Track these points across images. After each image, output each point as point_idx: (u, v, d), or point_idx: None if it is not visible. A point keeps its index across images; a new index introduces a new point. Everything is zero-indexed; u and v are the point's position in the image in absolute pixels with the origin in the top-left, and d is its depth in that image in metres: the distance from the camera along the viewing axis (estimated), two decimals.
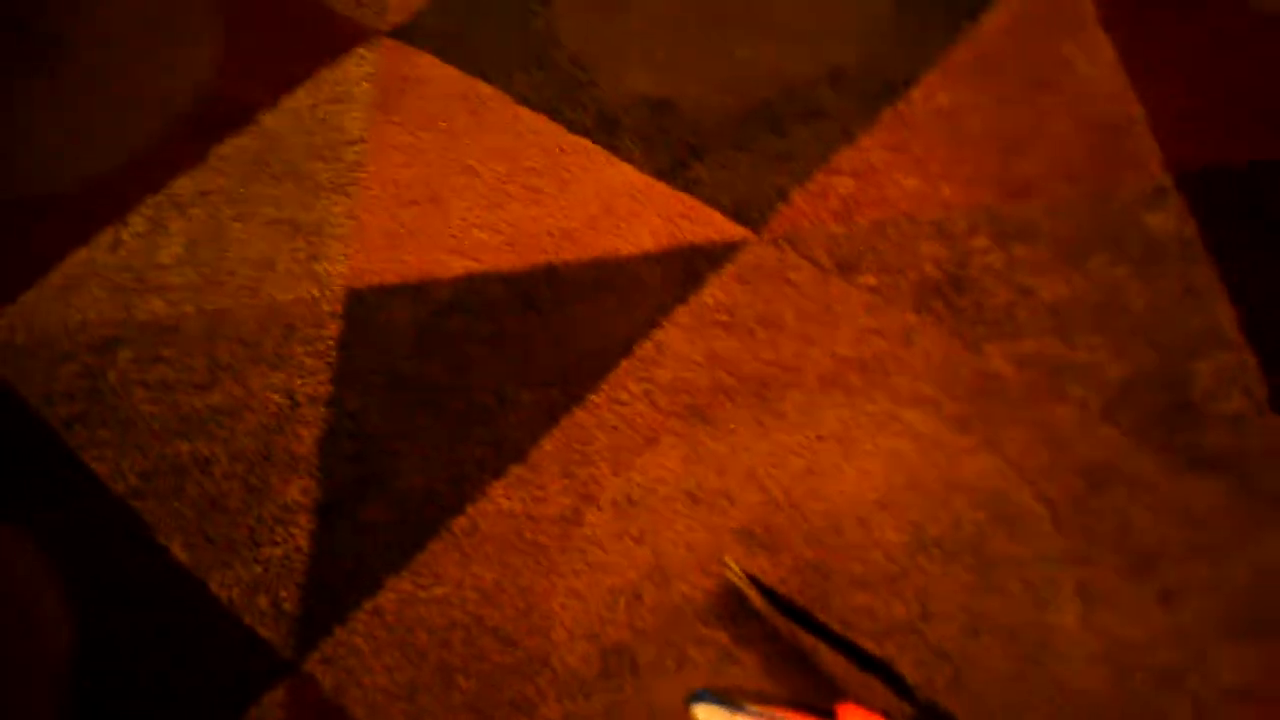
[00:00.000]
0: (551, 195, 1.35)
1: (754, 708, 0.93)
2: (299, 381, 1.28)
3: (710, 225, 1.29)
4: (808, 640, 1.00)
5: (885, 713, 0.91)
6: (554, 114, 1.43)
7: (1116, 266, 1.18)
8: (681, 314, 1.24)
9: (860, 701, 0.93)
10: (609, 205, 1.33)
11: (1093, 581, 0.98)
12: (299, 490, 1.20)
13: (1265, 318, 1.12)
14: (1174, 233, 1.19)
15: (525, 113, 1.44)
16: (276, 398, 1.27)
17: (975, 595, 1.01)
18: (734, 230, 1.29)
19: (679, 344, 1.22)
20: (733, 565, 1.02)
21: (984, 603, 1.01)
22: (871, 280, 1.22)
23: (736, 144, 1.36)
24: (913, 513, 1.06)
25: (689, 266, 1.27)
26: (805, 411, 1.14)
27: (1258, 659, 0.95)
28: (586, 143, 1.40)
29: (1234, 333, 1.12)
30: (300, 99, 1.50)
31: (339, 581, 1.13)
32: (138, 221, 1.42)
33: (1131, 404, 1.09)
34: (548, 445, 1.18)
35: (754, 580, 1.01)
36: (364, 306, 1.33)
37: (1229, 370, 1.10)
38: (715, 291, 1.25)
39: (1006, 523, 1.04)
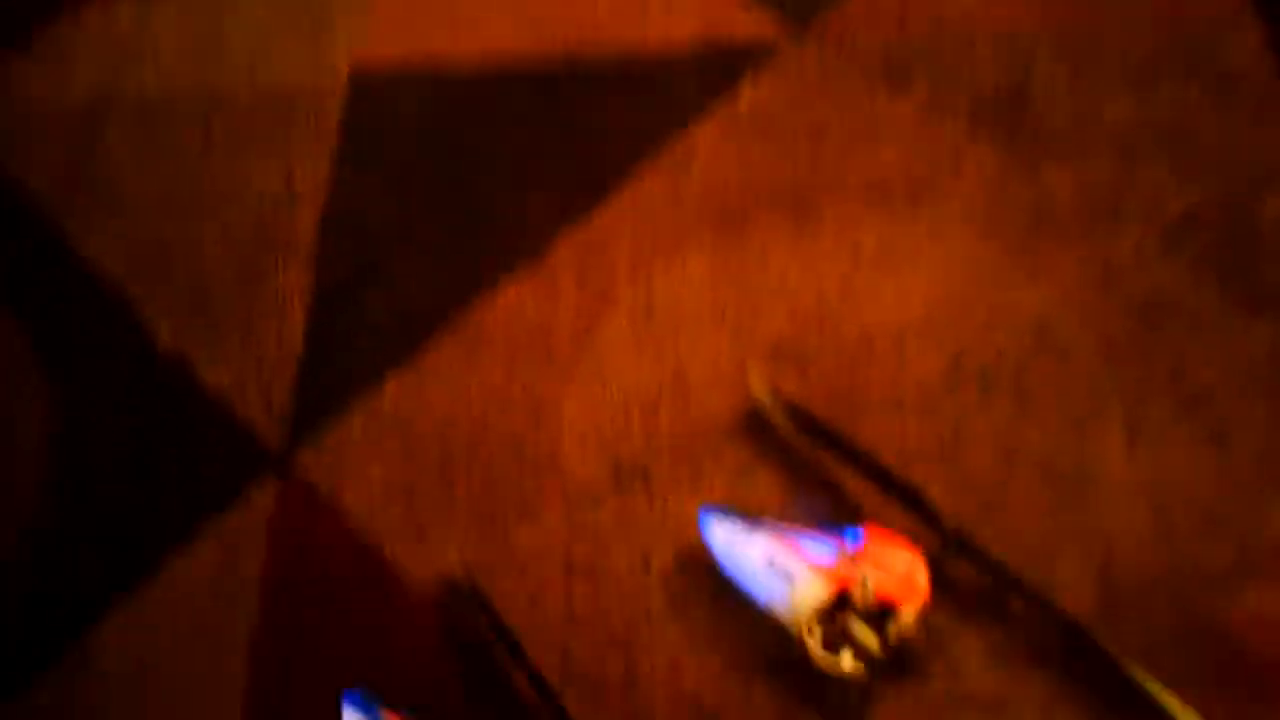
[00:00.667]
0: None
1: (772, 524, 0.87)
2: (298, 166, 1.20)
3: (751, 22, 1.19)
4: (831, 462, 0.94)
5: (914, 537, 0.86)
6: None
7: (1188, 91, 1.09)
8: (715, 116, 1.15)
9: (881, 525, 0.88)
10: None
11: (1141, 418, 0.92)
12: (295, 279, 1.13)
13: None
14: (1250, 60, 1.10)
15: None
16: (273, 182, 1.19)
17: (1013, 425, 0.95)
18: (776, 29, 1.19)
19: (711, 148, 1.13)
20: (758, 381, 0.96)
21: (1022, 434, 0.95)
22: (923, 92, 1.13)
23: None
24: (953, 339, 1.00)
25: (725, 66, 1.18)
26: (844, 228, 1.07)
27: None
28: None
29: None
30: None
31: (335, 375, 1.07)
32: None
33: (1193, 237, 1.02)
34: (563, 246, 1.10)
35: (779, 396, 0.95)
36: (370, 91, 1.25)
37: None
38: (753, 95, 1.16)
39: (1053, 354, 0.98)
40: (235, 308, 1.11)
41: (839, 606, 0.82)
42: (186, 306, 1.12)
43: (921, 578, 0.82)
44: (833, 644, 0.82)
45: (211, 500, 1.02)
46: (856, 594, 0.82)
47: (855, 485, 0.93)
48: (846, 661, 0.81)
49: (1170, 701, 0.78)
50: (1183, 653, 0.82)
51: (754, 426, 0.98)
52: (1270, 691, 0.81)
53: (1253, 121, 1.07)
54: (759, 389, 0.96)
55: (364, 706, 0.86)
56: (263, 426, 1.05)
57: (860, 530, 0.86)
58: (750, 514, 0.89)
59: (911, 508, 0.89)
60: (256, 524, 1.00)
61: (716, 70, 1.18)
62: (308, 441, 1.03)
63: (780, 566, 0.84)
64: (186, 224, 1.17)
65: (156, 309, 1.12)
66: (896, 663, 0.83)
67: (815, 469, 0.95)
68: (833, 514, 0.92)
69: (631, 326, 1.04)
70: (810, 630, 0.81)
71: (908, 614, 0.82)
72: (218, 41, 1.28)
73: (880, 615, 0.82)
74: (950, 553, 0.86)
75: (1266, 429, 0.93)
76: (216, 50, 1.27)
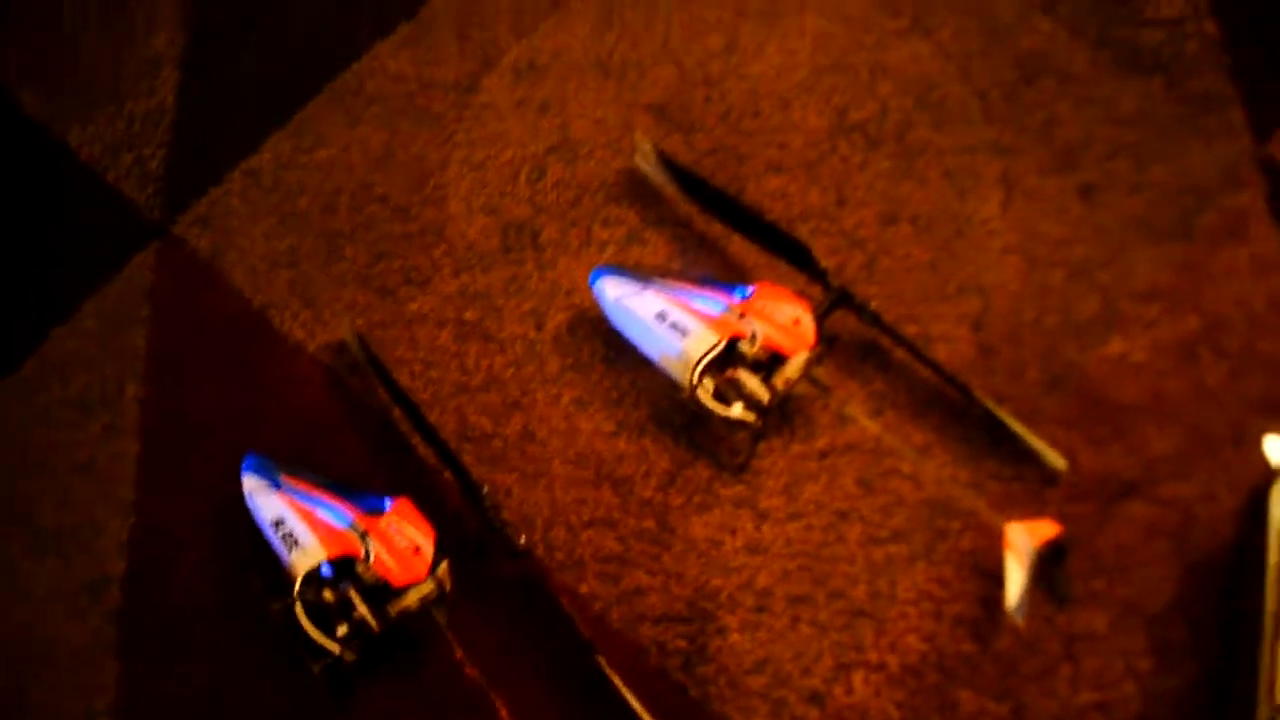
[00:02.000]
0: None
1: (663, 282, 0.89)
2: None
3: None
4: (718, 223, 0.95)
5: (800, 294, 0.88)
6: None
7: None
8: None
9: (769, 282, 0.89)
10: None
11: (1016, 173, 0.95)
12: (164, 41, 1.08)
13: None
14: None
15: None
16: None
17: (895, 183, 0.97)
18: None
19: None
20: (644, 143, 0.96)
21: (903, 190, 0.97)
22: None
23: None
24: (836, 97, 1.00)
25: None
26: None
27: (1170, 260, 0.94)
28: None
29: None
30: None
31: (210, 139, 1.04)
32: None
33: None
34: (441, 2, 1.07)
35: (666, 159, 0.95)
36: None
37: None
38: None
39: (933, 110, 0.99)
40: (103, 71, 1.06)
41: (729, 357, 0.85)
42: (50, 71, 1.07)
43: (808, 328, 0.85)
44: (723, 394, 0.84)
45: (91, 273, 0.99)
46: (746, 344, 0.84)
47: (742, 245, 0.94)
48: (737, 410, 0.83)
49: (1037, 443, 0.83)
50: (1050, 397, 0.87)
51: (642, 188, 0.98)
52: (1128, 431, 0.86)
53: None
54: (644, 156, 0.96)
55: (263, 470, 0.86)
56: (139, 194, 1.02)
57: (749, 286, 0.88)
58: (642, 272, 0.90)
59: (797, 264, 0.91)
60: (138, 294, 0.98)
61: None
62: (187, 208, 1.01)
63: (671, 320, 0.86)
64: None
65: (18, 74, 1.06)
66: (783, 411, 0.86)
67: (703, 230, 0.96)
68: (721, 273, 0.94)
69: (514, 86, 1.03)
70: (701, 381, 0.84)
71: (795, 364, 0.85)
72: None
73: (768, 365, 0.85)
74: (834, 307, 0.89)
75: (1132, 185, 0.96)
76: None
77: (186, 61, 1.07)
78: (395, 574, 0.79)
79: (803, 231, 0.95)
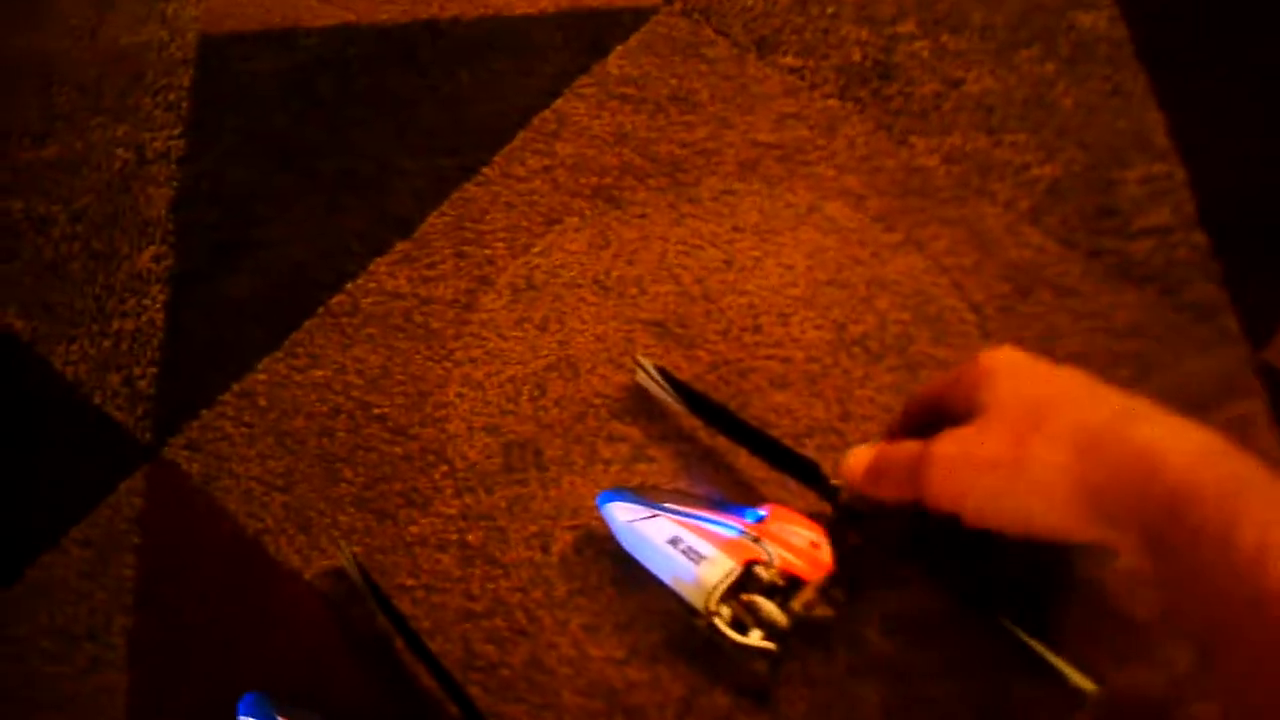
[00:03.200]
0: None
1: (673, 506, 0.87)
2: (148, 136, 1.13)
3: None
4: (723, 440, 0.94)
5: (811, 515, 0.87)
6: None
7: (1045, 63, 1.12)
8: (584, 84, 1.13)
9: (780, 503, 0.88)
10: None
11: None
12: (151, 258, 1.07)
13: (1194, 129, 1.09)
14: (1104, 33, 1.14)
15: None
16: (122, 153, 1.13)
17: (898, 396, 0.97)
18: None
19: (582, 118, 1.11)
20: (644, 361, 0.95)
21: None
22: (792, 61, 1.13)
23: None
24: (835, 311, 1.01)
25: (592, 32, 1.16)
26: (722, 199, 1.06)
27: None
28: None
29: (1163, 141, 1.08)
30: None
31: (202, 360, 1.02)
32: None
33: (1059, 207, 1.05)
34: (436, 220, 1.07)
35: (666, 375, 0.94)
36: (221, 55, 1.18)
37: (1158, 180, 1.06)
38: (621, 62, 1.14)
39: (931, 324, 1.00)
40: (89, 291, 1.05)
41: (745, 583, 0.83)
42: (35, 291, 1.05)
43: (825, 552, 0.84)
44: (740, 621, 0.82)
45: (76, 499, 0.96)
46: (762, 569, 0.82)
47: (749, 461, 0.93)
48: (755, 638, 0.81)
49: (1062, 665, 0.82)
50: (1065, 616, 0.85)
51: (645, 404, 0.97)
52: (1152, 647, 0.85)
53: (1111, 93, 1.11)
54: (645, 374, 0.95)
55: (261, 713, 0.83)
56: (127, 418, 0.99)
57: (762, 508, 0.87)
58: (651, 494, 0.89)
59: (806, 481, 0.90)
60: (127, 520, 0.95)
61: (585, 38, 1.16)
62: (177, 431, 0.98)
63: (685, 545, 0.84)
64: (30, 201, 1.09)
65: (2, 294, 1.05)
66: (802, 637, 0.84)
67: (708, 446, 0.95)
68: (730, 491, 0.93)
69: (513, 303, 1.02)
70: (718, 608, 0.82)
71: (811, 588, 0.83)
72: (50, 2, 1.19)
73: (785, 589, 0.83)
74: (845, 525, 0.88)
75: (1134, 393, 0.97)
76: (49, 11, 1.19)
77: (175, 278, 1.05)
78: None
79: (809, 446, 0.95)
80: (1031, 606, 0.84)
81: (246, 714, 0.82)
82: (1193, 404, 0.94)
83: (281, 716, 0.82)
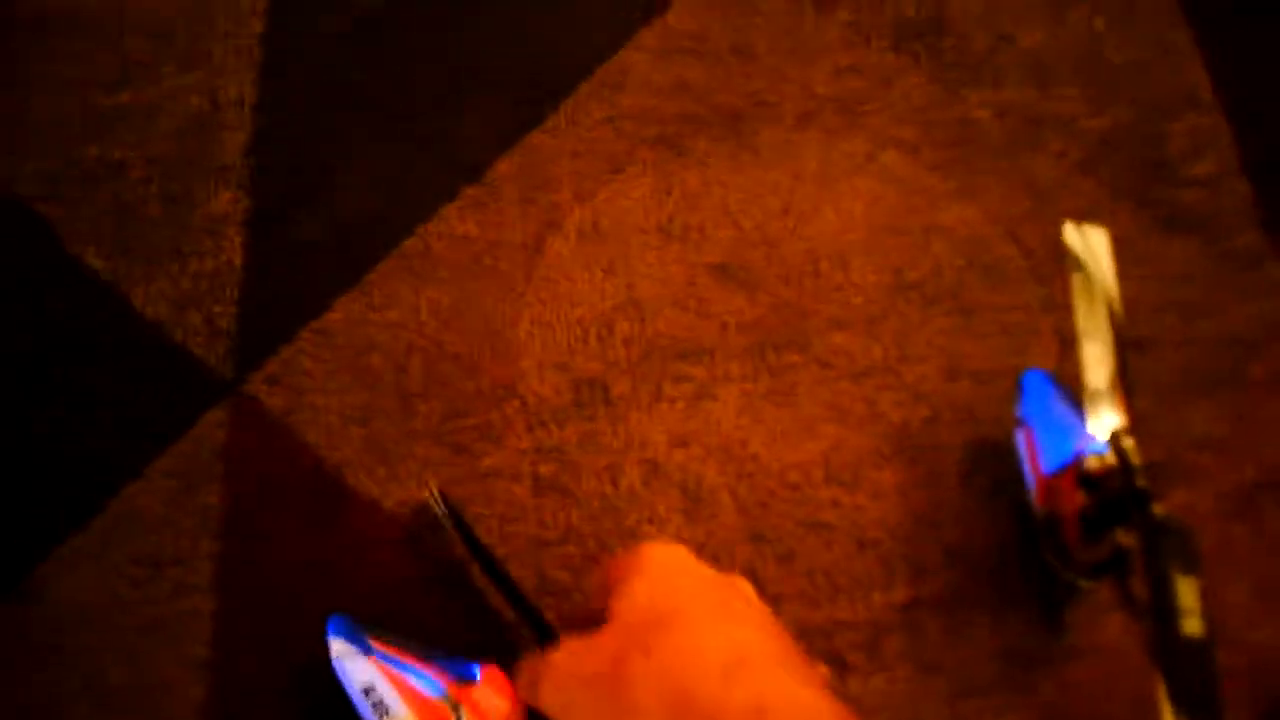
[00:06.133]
0: None
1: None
2: (220, 83, 1.16)
3: None
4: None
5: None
6: None
7: (1095, 18, 1.15)
8: (646, 37, 1.16)
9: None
10: None
11: (1070, 329, 0.97)
12: (227, 201, 1.10)
13: (1238, 83, 1.12)
14: None
15: None
16: (195, 100, 1.16)
17: (954, 339, 1.00)
18: None
19: (644, 69, 1.14)
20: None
21: (962, 346, 1.00)
22: (848, 15, 1.16)
23: None
24: (893, 256, 1.04)
25: None
26: (781, 149, 1.10)
27: (1223, 410, 0.97)
28: None
29: (1208, 95, 1.11)
30: None
31: (279, 299, 1.05)
32: None
33: (1108, 158, 1.08)
34: (504, 167, 1.10)
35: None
36: (291, 4, 1.21)
37: (1203, 133, 1.09)
38: (682, 15, 1.17)
39: (985, 270, 1.03)
40: (166, 234, 1.08)
41: None
42: (113, 233, 1.08)
43: None
44: None
45: (161, 431, 1.00)
46: None
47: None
48: None
49: None
50: None
51: (700, 350, 1.01)
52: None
53: (1160, 50, 1.13)
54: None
55: (351, 633, 0.86)
56: (208, 355, 1.03)
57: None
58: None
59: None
60: (211, 452, 0.99)
61: None
62: (258, 366, 1.02)
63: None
64: (105, 146, 1.13)
65: (81, 236, 1.08)
66: None
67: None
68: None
69: (580, 247, 1.06)
70: None
71: None
72: None
73: None
74: None
75: (1182, 339, 1.00)
76: None
77: (251, 222, 1.09)
78: None
79: (867, 386, 0.98)
80: None
81: (337, 634, 0.85)
82: (1237, 345, 0.99)
83: (371, 637, 0.85)
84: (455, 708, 0.80)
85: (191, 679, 0.92)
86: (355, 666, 0.83)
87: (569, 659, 0.66)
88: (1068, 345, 0.98)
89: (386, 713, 0.80)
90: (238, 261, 1.07)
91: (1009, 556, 0.92)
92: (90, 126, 1.15)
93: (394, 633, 0.87)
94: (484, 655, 0.85)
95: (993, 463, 0.96)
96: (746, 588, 0.71)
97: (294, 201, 1.10)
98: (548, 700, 0.67)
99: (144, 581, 0.95)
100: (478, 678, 0.82)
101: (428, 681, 0.82)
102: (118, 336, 1.05)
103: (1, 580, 0.95)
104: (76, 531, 0.97)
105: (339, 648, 0.85)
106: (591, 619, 0.67)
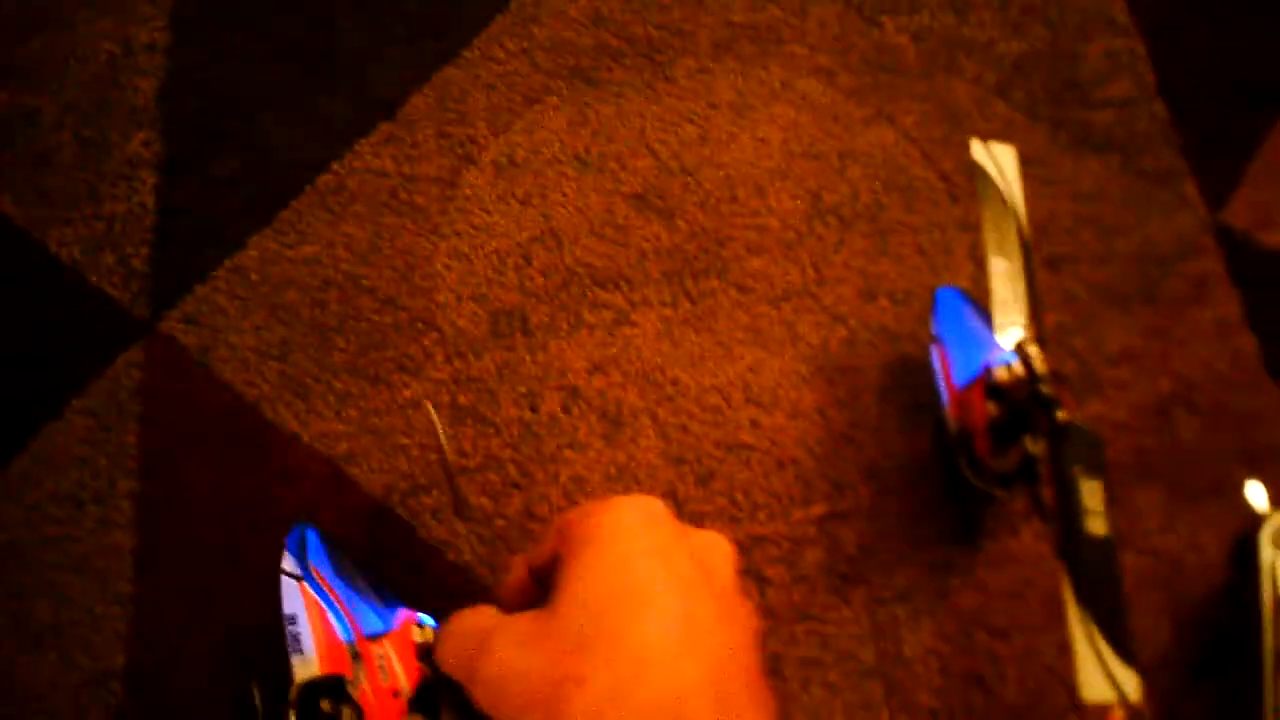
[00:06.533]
0: None
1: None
2: (133, 28, 1.15)
3: None
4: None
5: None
6: None
7: None
8: None
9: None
10: None
11: (983, 248, 0.98)
12: (140, 144, 1.09)
13: (1153, 6, 1.12)
14: None
15: None
16: (108, 45, 1.14)
17: (871, 261, 1.01)
18: None
19: (559, 2, 1.14)
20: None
21: (879, 267, 1.01)
22: None
23: None
24: (810, 181, 1.04)
25: None
26: (697, 78, 1.09)
27: (1138, 325, 0.98)
28: None
29: (1124, 18, 1.12)
30: None
31: (193, 238, 1.04)
32: None
33: (1023, 82, 1.09)
34: (419, 102, 1.10)
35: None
36: None
37: (1119, 55, 1.10)
38: None
39: (902, 192, 1.03)
40: (80, 178, 1.07)
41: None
42: (28, 179, 1.07)
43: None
44: None
45: (80, 373, 0.99)
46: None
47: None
48: None
49: None
50: None
51: (628, 272, 1.01)
52: (1114, 487, 0.89)
53: None
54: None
55: (298, 554, 0.80)
56: (123, 295, 1.02)
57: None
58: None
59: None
60: (128, 391, 0.98)
61: None
62: (172, 307, 1.01)
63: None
64: (18, 94, 1.11)
65: None
66: None
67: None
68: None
69: (496, 179, 1.05)
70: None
71: None
72: None
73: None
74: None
75: (1097, 256, 1.01)
76: None
77: (164, 163, 1.08)
78: (372, 711, 0.73)
79: (786, 310, 0.98)
80: None
81: (291, 550, 0.80)
82: (1152, 261, 1.00)
83: (312, 565, 0.81)
84: (355, 659, 0.77)
85: (117, 614, 0.91)
86: (290, 590, 0.82)
87: (512, 651, 0.56)
88: (981, 264, 0.99)
89: (299, 648, 0.79)
90: (151, 203, 1.06)
91: (926, 470, 0.93)
92: (2, 74, 1.13)
93: (348, 558, 0.85)
94: (414, 600, 0.82)
95: (910, 380, 0.96)
96: (722, 546, 0.61)
97: (208, 142, 1.09)
98: (480, 692, 0.57)
99: (65, 520, 0.95)
100: (389, 628, 0.78)
101: (343, 625, 0.80)
102: (34, 280, 1.04)
103: None
104: None
105: (287, 564, 0.82)
106: (543, 567, 0.62)
